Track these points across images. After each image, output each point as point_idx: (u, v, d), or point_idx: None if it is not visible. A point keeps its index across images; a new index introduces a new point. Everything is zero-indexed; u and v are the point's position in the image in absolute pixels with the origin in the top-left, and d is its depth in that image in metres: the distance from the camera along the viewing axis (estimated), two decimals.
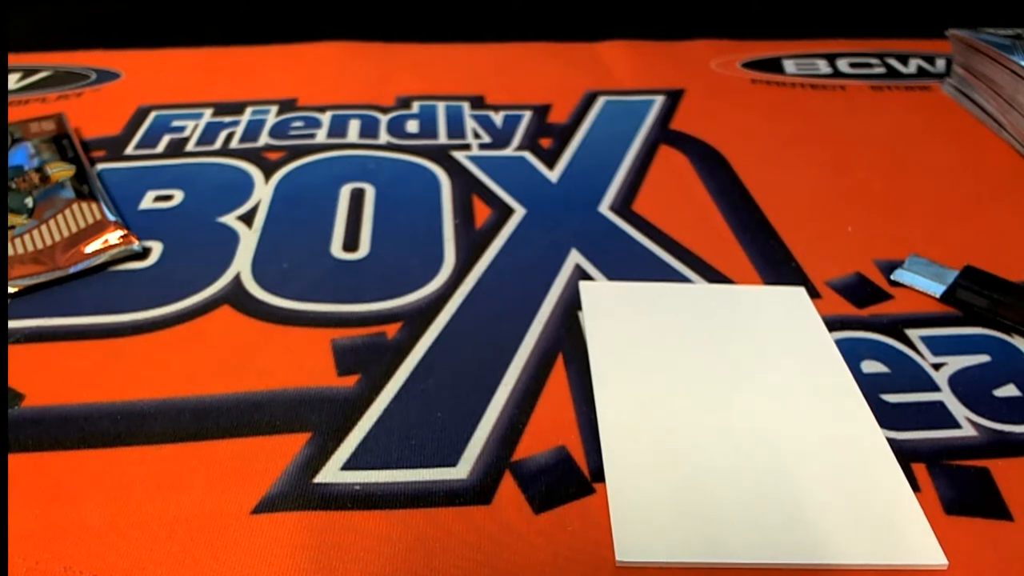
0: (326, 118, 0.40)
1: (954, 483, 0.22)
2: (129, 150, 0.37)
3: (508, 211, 0.33)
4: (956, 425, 0.24)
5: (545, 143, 0.38)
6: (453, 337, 0.26)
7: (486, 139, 0.39)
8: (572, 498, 0.21)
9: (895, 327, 0.27)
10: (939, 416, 0.24)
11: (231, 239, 0.31)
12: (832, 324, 0.27)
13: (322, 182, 0.35)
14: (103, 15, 0.53)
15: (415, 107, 0.41)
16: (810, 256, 0.31)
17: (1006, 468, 0.22)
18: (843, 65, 0.48)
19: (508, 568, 0.19)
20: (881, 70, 0.48)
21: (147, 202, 0.33)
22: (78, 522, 0.20)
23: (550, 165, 0.37)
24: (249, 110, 0.41)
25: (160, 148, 0.37)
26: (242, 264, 0.30)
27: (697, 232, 0.32)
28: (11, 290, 0.28)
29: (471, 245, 0.31)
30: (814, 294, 0.29)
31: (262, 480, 0.21)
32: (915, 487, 0.22)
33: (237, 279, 0.29)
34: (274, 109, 0.41)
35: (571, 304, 0.28)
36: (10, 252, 0.29)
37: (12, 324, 0.26)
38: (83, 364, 0.25)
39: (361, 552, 0.20)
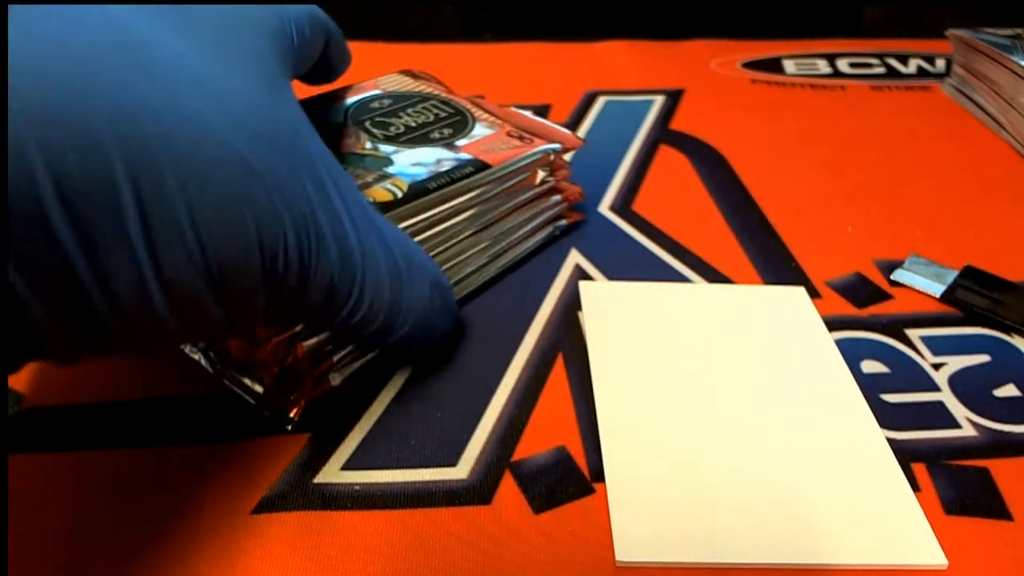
0: None
1: (954, 483, 0.22)
2: None
3: None
4: (956, 425, 0.24)
5: None
6: (453, 337, 0.26)
7: None
8: (572, 498, 0.21)
9: (895, 327, 0.27)
10: (939, 416, 0.24)
11: None
12: (832, 324, 0.27)
13: None
14: None
15: None
16: (810, 256, 0.31)
17: (1006, 468, 0.22)
18: (843, 65, 0.48)
19: (508, 568, 0.19)
20: (881, 70, 0.48)
21: None
22: (78, 522, 0.20)
23: None
24: None
25: None
26: None
27: (697, 232, 0.32)
28: None
29: None
30: (814, 294, 0.29)
31: (262, 480, 0.21)
32: (915, 487, 0.22)
33: None
34: None
35: (571, 304, 0.28)
36: None
37: None
38: (83, 364, 0.25)
39: (361, 552, 0.20)
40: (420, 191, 0.24)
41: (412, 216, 0.23)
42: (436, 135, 0.26)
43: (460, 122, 0.28)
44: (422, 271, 0.21)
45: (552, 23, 0.55)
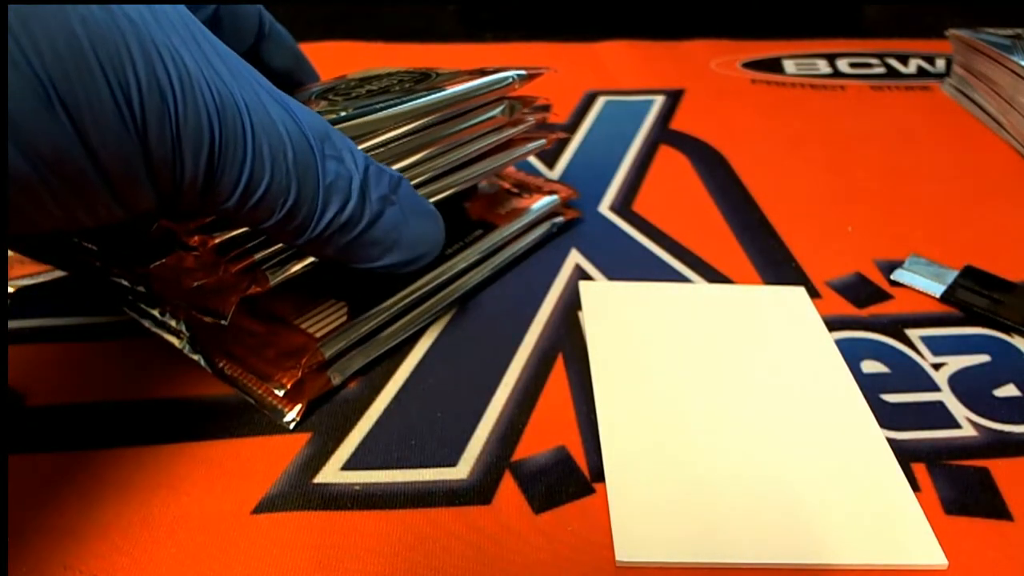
0: None
1: (954, 483, 0.22)
2: None
3: None
4: (956, 425, 0.24)
5: None
6: (453, 337, 0.26)
7: None
8: (572, 498, 0.21)
9: (895, 327, 0.27)
10: (939, 416, 0.24)
11: None
12: (832, 324, 0.27)
13: None
14: None
15: None
16: (810, 256, 0.31)
17: (1006, 468, 0.22)
18: (843, 65, 0.48)
19: (508, 568, 0.19)
20: (881, 70, 0.48)
21: None
22: (78, 522, 0.20)
23: (550, 165, 0.37)
24: None
25: None
26: None
27: (697, 232, 0.32)
28: (10, 290, 0.28)
29: None
30: (814, 294, 0.29)
31: (262, 480, 0.21)
32: (915, 487, 0.22)
33: None
34: None
35: (571, 304, 0.28)
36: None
37: (12, 324, 0.26)
38: (83, 364, 0.25)
39: (361, 552, 0.20)
40: (366, 111, 0.22)
41: (356, 129, 0.22)
42: (397, 88, 0.25)
43: (423, 77, 0.27)
44: (342, 148, 0.19)
45: (552, 23, 0.55)
